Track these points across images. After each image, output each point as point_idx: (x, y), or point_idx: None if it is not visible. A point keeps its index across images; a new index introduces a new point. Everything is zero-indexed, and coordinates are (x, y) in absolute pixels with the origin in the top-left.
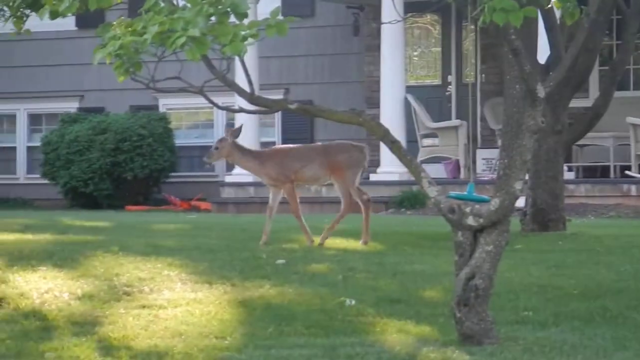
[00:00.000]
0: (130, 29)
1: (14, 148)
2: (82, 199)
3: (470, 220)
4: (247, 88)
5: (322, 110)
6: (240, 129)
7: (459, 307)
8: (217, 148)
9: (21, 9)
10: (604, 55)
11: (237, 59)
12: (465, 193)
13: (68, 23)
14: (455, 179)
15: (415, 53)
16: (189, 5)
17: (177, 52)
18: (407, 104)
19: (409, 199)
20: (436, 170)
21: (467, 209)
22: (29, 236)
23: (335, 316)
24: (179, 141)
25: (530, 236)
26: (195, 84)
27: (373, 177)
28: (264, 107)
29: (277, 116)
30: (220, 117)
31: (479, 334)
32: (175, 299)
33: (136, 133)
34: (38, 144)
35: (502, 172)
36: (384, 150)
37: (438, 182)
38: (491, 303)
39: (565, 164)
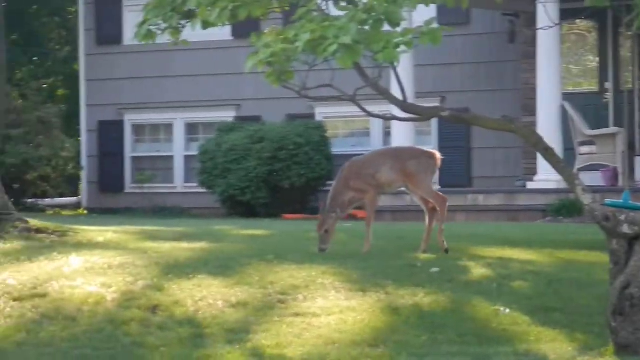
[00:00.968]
0: (281, 37)
1: (172, 157)
2: (240, 207)
3: (625, 228)
4: (400, 96)
5: (474, 118)
6: None
7: (614, 316)
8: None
9: (177, 21)
10: None
11: (391, 67)
12: (621, 201)
13: (224, 33)
14: (613, 186)
15: (572, 60)
16: (341, 13)
17: (329, 60)
18: (563, 112)
19: (567, 207)
20: (594, 178)
21: (622, 217)
22: (184, 244)
23: (489, 325)
24: (335, 149)
25: None
26: (349, 93)
27: (530, 185)
28: (416, 114)
29: (434, 123)
30: (376, 126)
31: (634, 344)
32: (328, 307)
33: (293, 142)
34: (195, 153)
35: None
36: (541, 158)
37: (595, 190)
38: None
39: None
